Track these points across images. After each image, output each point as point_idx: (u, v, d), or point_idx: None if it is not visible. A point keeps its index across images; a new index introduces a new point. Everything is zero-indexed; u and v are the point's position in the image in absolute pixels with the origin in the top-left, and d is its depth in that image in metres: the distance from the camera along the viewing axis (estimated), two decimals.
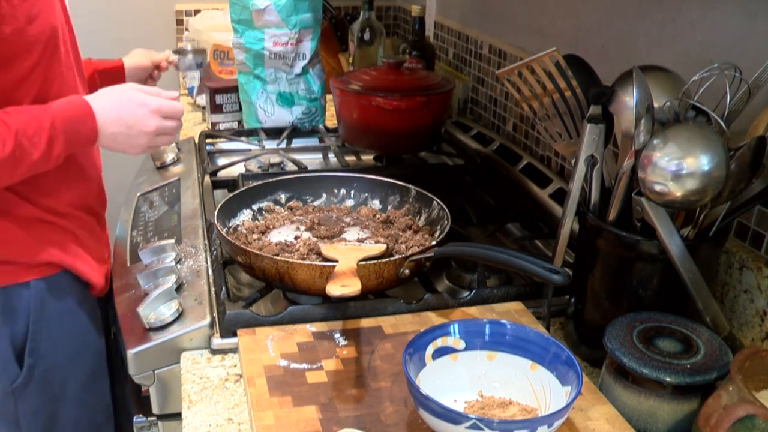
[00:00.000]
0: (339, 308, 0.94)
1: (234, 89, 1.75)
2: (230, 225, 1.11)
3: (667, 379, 0.75)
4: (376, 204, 1.21)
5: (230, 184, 1.39)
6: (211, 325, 0.94)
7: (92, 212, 1.18)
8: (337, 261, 0.94)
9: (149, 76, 1.51)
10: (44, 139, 0.97)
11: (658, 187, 0.78)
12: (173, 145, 1.55)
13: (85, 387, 1.16)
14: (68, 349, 1.12)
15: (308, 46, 1.67)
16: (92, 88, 1.17)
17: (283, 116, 1.71)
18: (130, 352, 0.93)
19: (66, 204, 1.11)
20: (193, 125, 1.87)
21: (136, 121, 1.05)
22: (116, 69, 1.42)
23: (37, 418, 1.12)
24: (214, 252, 1.10)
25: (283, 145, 1.62)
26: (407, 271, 0.96)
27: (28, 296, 1.07)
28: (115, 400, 1.24)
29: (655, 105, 0.83)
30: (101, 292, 1.19)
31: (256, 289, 1.01)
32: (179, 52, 1.60)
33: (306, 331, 0.92)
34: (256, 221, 1.15)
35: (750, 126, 0.83)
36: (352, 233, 1.10)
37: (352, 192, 1.22)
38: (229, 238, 0.99)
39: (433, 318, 0.95)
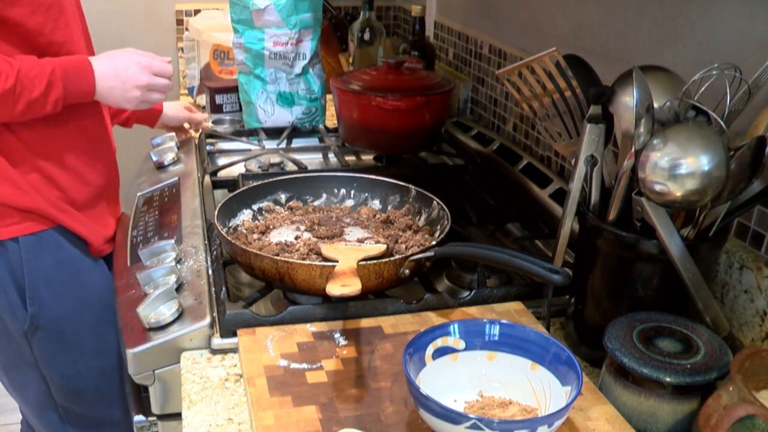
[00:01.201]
0: (339, 308, 0.94)
1: (234, 89, 1.76)
2: (230, 225, 1.11)
3: (667, 379, 0.75)
4: (376, 204, 1.21)
5: (230, 184, 1.39)
6: (211, 325, 0.94)
7: (100, 187, 1.27)
8: (337, 261, 0.94)
9: (180, 126, 1.64)
10: (44, 82, 1.08)
11: (658, 187, 0.78)
12: (173, 144, 1.55)
13: (101, 338, 1.26)
14: (73, 300, 1.23)
15: (308, 46, 1.67)
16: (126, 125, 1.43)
17: (283, 116, 1.71)
18: (130, 352, 0.93)
19: (74, 175, 1.22)
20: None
21: (129, 76, 1.18)
22: (153, 112, 1.56)
23: (55, 364, 1.23)
24: (214, 252, 1.10)
25: (283, 145, 1.62)
26: (407, 271, 0.96)
27: (18, 248, 1.17)
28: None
29: (655, 105, 0.83)
30: (100, 253, 1.28)
31: (256, 289, 1.01)
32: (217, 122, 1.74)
33: (306, 331, 0.92)
34: (256, 221, 1.15)
35: (750, 126, 0.83)
36: (352, 233, 1.10)
37: (352, 192, 1.23)
38: (229, 238, 0.99)
39: (433, 318, 0.95)
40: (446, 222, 1.08)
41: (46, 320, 1.20)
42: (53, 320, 1.21)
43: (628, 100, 0.88)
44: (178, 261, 1.09)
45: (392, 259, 0.95)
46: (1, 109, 1.07)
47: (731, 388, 0.69)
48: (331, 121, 1.80)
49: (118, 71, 1.18)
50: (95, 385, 1.29)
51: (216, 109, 1.78)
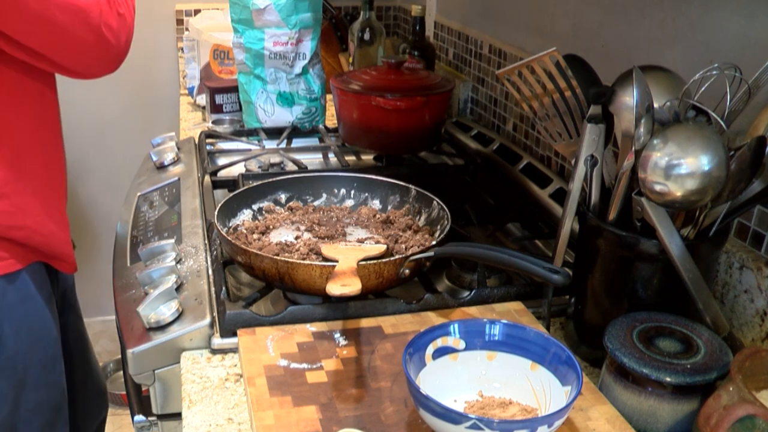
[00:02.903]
0: (339, 308, 0.94)
1: (234, 89, 1.76)
2: (230, 225, 1.11)
3: (667, 379, 0.75)
4: (376, 204, 1.21)
5: (230, 184, 1.39)
6: (211, 325, 0.94)
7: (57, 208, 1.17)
8: (337, 261, 0.94)
9: None
10: None
11: (658, 187, 0.78)
12: (173, 144, 1.55)
13: (45, 371, 1.18)
14: (29, 334, 1.14)
15: (308, 46, 1.67)
16: None
17: (284, 116, 1.71)
18: (130, 352, 0.93)
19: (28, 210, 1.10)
20: (193, 125, 1.87)
21: None
22: None
23: (4, 404, 1.13)
24: (214, 252, 1.10)
25: (283, 145, 1.62)
26: (407, 271, 0.96)
27: None
28: (72, 377, 1.27)
29: (655, 105, 0.83)
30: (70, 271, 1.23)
31: (256, 289, 1.01)
32: None
33: (306, 331, 0.92)
34: (256, 221, 1.15)
35: (750, 126, 0.83)
36: (352, 233, 1.10)
37: (352, 192, 1.22)
38: (229, 238, 0.99)
39: (433, 318, 0.95)
40: (446, 222, 1.08)
41: (4, 360, 1.11)
42: (9, 358, 1.12)
43: (628, 100, 0.88)
44: (178, 261, 1.09)
45: (392, 259, 0.95)
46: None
47: (731, 388, 0.69)
48: (331, 121, 1.80)
49: None
50: (32, 418, 1.19)
51: (216, 109, 1.78)
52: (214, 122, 1.78)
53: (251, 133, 1.68)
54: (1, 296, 1.09)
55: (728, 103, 0.82)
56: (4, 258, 1.08)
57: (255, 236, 1.08)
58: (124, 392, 1.22)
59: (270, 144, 1.61)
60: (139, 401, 1.06)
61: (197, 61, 2.01)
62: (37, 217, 1.10)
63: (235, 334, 0.92)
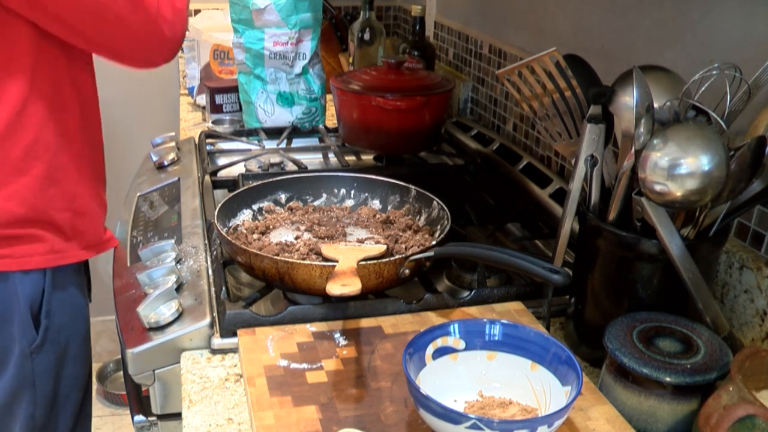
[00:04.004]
0: (339, 308, 0.94)
1: (234, 89, 1.76)
2: (230, 225, 1.11)
3: (667, 379, 0.75)
4: (376, 204, 1.21)
5: (230, 184, 1.39)
6: (211, 325, 0.94)
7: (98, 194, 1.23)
8: (337, 261, 0.94)
9: None
10: None
11: (658, 187, 0.78)
12: (173, 144, 1.55)
13: (82, 344, 1.25)
14: (72, 308, 1.21)
15: (308, 46, 1.67)
16: None
17: (284, 116, 1.71)
18: (130, 352, 0.93)
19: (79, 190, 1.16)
20: (193, 125, 1.87)
21: None
22: None
23: (48, 377, 1.20)
24: (214, 252, 1.10)
25: (283, 145, 1.62)
26: (407, 271, 0.96)
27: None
28: None
29: (655, 105, 0.83)
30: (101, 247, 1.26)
31: (256, 289, 1.01)
32: None
33: (306, 331, 0.92)
34: (256, 221, 1.15)
35: (750, 126, 0.83)
36: (352, 233, 1.10)
37: (352, 192, 1.22)
38: (229, 238, 0.99)
39: (433, 318, 0.95)
40: (446, 222, 1.08)
41: (53, 332, 1.18)
42: (56, 331, 1.19)
43: (628, 100, 0.88)
44: (178, 261, 1.09)
45: (392, 259, 0.95)
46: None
47: (731, 388, 0.69)
48: (331, 121, 1.80)
49: None
50: (69, 392, 1.25)
51: (216, 109, 1.78)
52: (214, 122, 1.78)
53: (251, 133, 1.68)
54: (52, 271, 1.15)
55: (728, 103, 0.82)
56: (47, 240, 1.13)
57: (255, 236, 1.08)
58: (124, 392, 1.23)
59: (270, 144, 1.61)
60: (139, 401, 1.06)
61: (197, 61, 2.01)
62: (85, 201, 1.16)
63: (235, 334, 0.92)
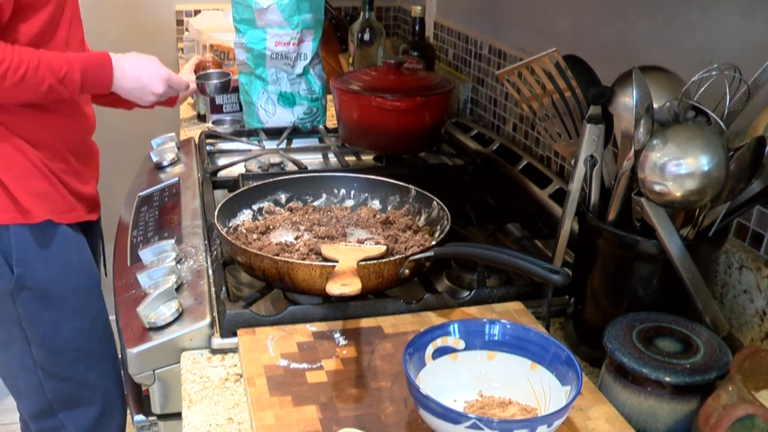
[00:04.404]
0: (339, 308, 0.94)
1: (234, 89, 1.76)
2: (230, 225, 1.11)
3: (667, 379, 0.75)
4: (376, 204, 1.21)
5: (230, 184, 1.39)
6: (211, 325, 0.94)
7: (79, 155, 1.40)
8: (337, 261, 0.94)
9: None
10: (65, 69, 1.23)
11: (657, 187, 0.78)
12: (173, 144, 1.55)
13: (82, 300, 1.38)
14: (57, 264, 1.35)
15: (310, 47, 1.67)
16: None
17: (285, 116, 1.71)
18: (130, 352, 0.93)
19: (55, 144, 1.33)
20: (193, 125, 1.87)
21: (150, 83, 1.37)
22: None
23: (38, 323, 1.34)
24: (214, 252, 1.10)
25: (283, 145, 1.62)
26: (407, 271, 0.97)
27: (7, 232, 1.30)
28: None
29: (655, 105, 0.83)
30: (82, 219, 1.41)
31: (256, 289, 1.01)
32: (203, 77, 1.68)
33: (306, 331, 0.92)
34: (256, 221, 1.15)
35: (750, 126, 0.83)
36: (352, 233, 1.11)
37: (352, 192, 1.23)
38: (229, 238, 0.99)
39: (433, 318, 0.95)
40: (446, 222, 1.08)
41: (32, 281, 1.31)
42: (39, 281, 1.32)
43: (627, 101, 0.88)
44: (178, 261, 1.09)
45: (392, 259, 0.95)
46: (28, 90, 1.20)
47: (731, 388, 0.69)
48: (331, 121, 1.80)
49: (141, 76, 1.36)
50: (75, 345, 1.38)
51: (216, 109, 1.78)
52: (214, 122, 1.78)
53: (251, 134, 1.68)
54: (26, 230, 1.30)
55: (728, 104, 0.82)
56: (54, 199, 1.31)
57: (255, 236, 1.09)
58: (125, 392, 1.24)
59: (270, 144, 1.61)
60: (139, 401, 1.07)
61: None
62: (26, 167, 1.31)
63: (235, 334, 0.92)
